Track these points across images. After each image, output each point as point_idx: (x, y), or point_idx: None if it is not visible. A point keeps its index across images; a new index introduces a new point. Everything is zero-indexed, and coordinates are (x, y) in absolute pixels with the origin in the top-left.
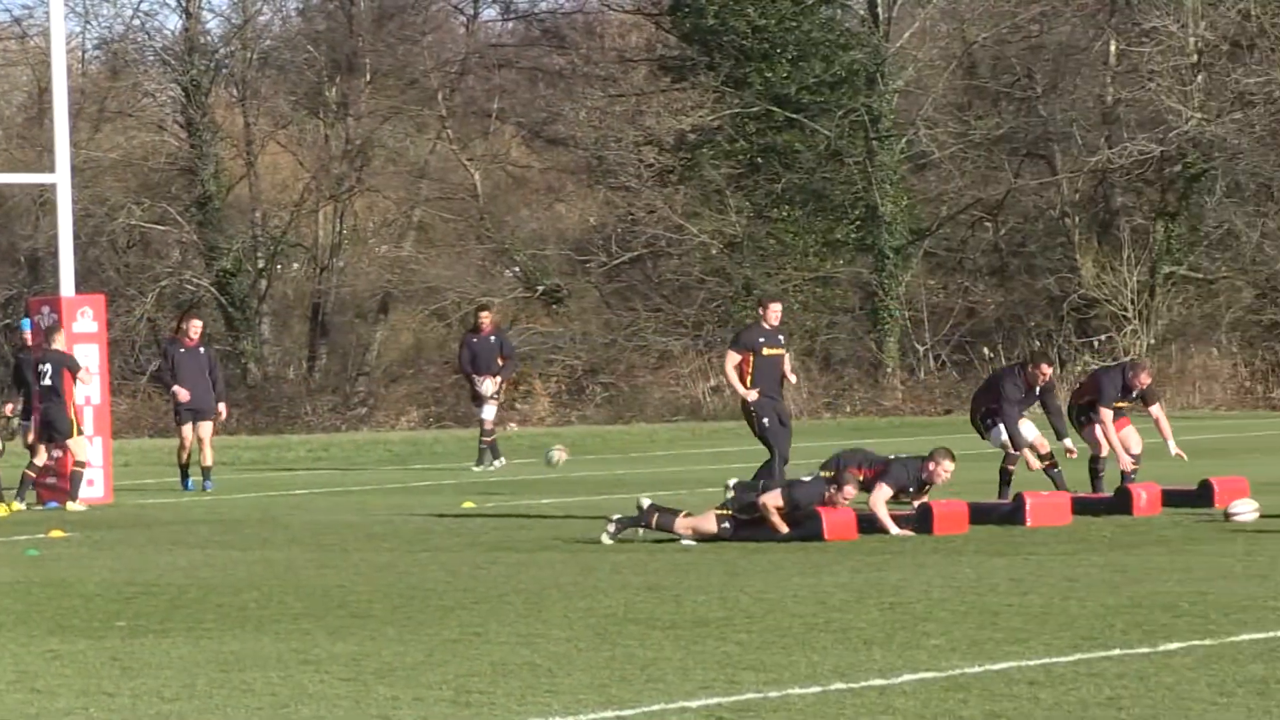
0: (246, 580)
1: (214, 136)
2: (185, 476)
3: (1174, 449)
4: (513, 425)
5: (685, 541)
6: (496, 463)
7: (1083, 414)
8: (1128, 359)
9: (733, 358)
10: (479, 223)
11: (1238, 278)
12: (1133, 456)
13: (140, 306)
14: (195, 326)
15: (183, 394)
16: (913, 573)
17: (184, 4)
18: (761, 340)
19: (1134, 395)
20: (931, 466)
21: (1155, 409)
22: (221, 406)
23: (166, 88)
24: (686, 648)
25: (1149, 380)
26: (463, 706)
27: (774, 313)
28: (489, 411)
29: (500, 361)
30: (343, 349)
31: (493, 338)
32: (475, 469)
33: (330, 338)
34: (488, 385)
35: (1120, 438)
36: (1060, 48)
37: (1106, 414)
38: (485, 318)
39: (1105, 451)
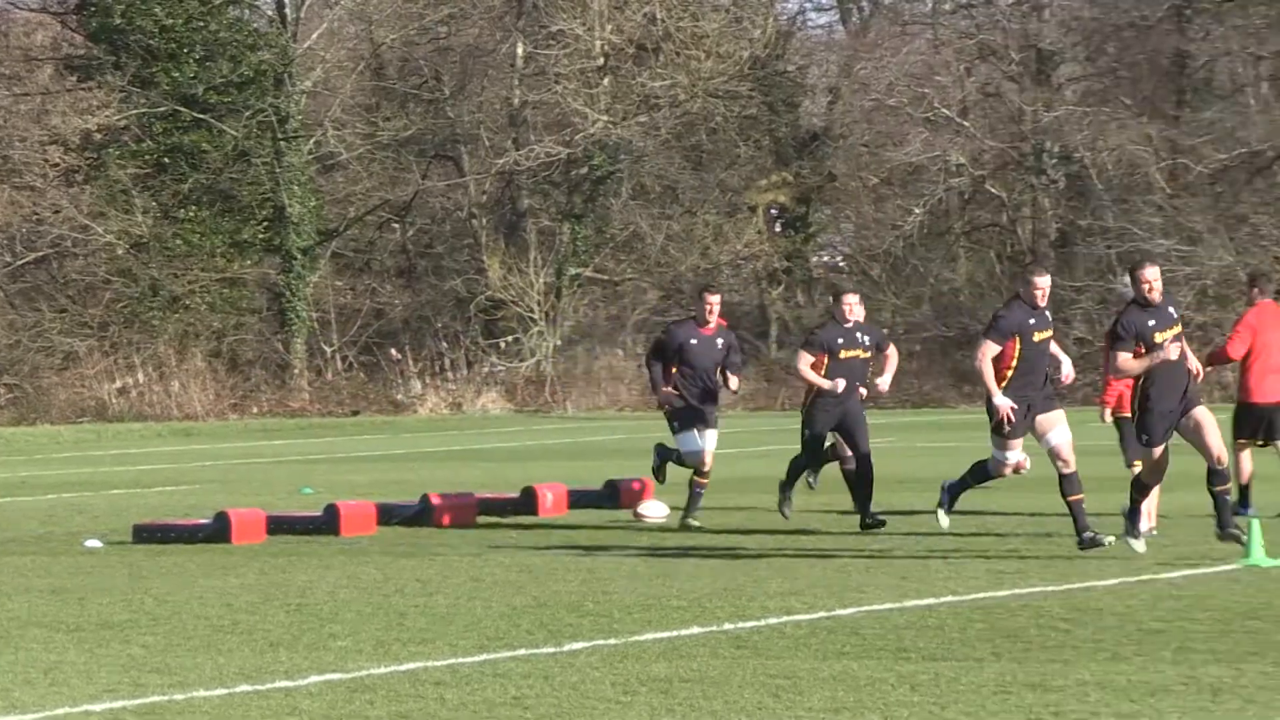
0: None
1: None
2: None
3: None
4: None
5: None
6: None
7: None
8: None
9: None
10: None
11: (643, 279)
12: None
13: None
14: None
15: None
16: (319, 574)
17: None
18: (840, 341)
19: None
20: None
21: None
22: None
23: None
24: (91, 651)
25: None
26: None
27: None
28: None
29: None
30: None
31: None
32: None
33: None
34: None
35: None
36: (468, 50)
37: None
38: None
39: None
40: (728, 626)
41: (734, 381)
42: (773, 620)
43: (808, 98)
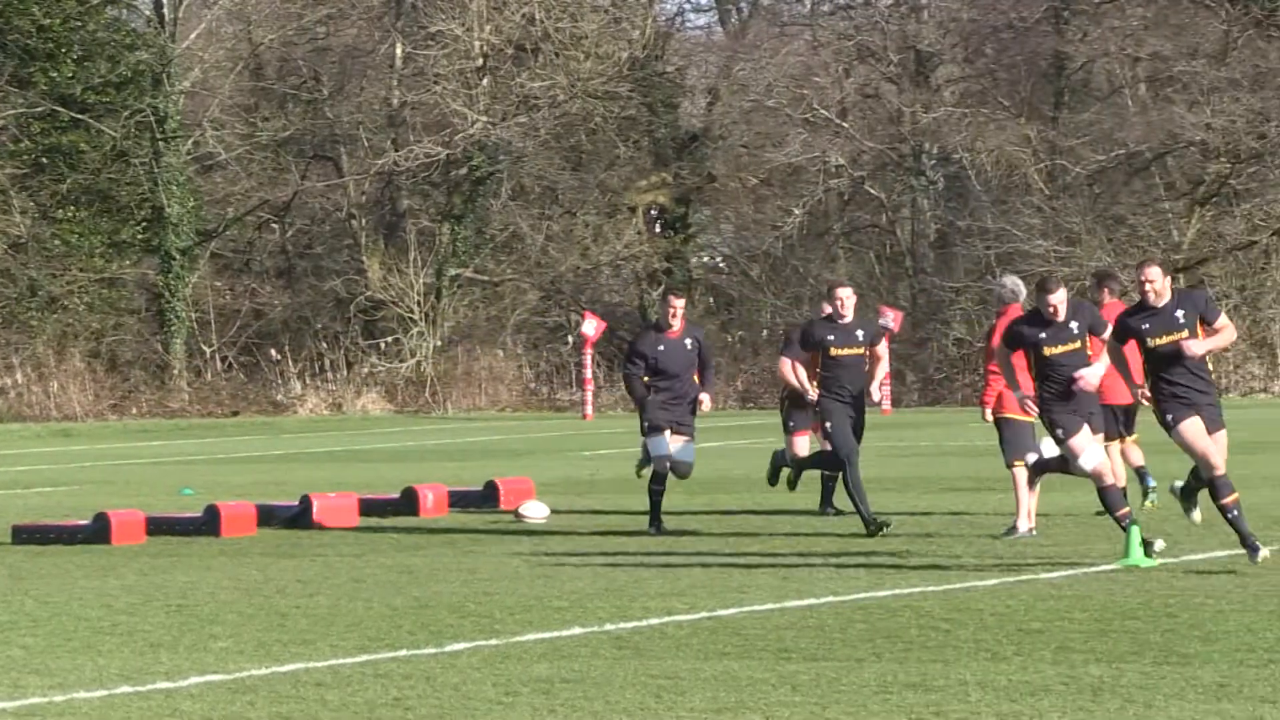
0: None
1: None
2: None
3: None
4: None
5: None
6: None
7: None
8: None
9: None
10: None
11: (523, 280)
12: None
13: None
14: None
15: None
16: (201, 575)
17: None
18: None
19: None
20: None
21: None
22: None
23: None
24: None
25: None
26: None
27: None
28: None
29: None
30: None
31: None
32: None
33: None
34: None
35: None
36: (347, 50)
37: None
38: None
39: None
40: (609, 627)
41: (707, 402)
42: (654, 621)
43: (687, 98)
